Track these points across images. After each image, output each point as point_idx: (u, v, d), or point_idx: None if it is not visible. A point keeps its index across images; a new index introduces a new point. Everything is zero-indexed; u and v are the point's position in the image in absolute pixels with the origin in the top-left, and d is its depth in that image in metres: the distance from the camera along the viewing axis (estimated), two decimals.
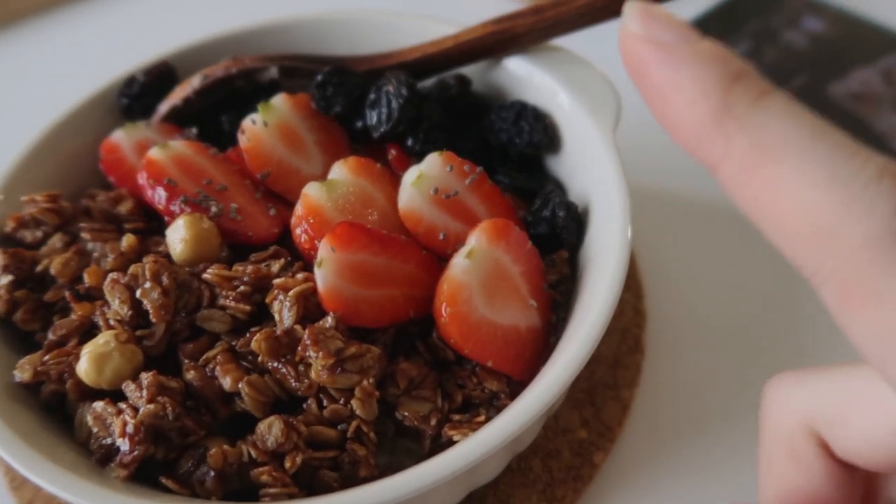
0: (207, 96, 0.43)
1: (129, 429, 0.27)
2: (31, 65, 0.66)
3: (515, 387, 0.32)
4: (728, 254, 0.47)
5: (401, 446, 0.31)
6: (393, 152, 0.40)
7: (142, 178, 0.35)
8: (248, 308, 0.30)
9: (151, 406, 0.28)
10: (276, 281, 0.31)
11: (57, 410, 0.32)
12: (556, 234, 0.36)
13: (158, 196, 0.35)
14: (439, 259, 0.34)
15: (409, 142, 0.40)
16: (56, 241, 0.35)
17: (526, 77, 0.42)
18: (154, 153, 0.36)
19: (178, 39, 0.46)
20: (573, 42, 0.41)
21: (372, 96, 0.40)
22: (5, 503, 0.37)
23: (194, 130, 0.42)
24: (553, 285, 0.35)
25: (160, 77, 0.43)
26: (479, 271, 0.32)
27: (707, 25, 0.59)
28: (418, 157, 0.39)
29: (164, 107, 0.43)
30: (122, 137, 0.40)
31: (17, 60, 0.67)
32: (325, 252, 0.30)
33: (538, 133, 0.40)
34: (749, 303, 0.44)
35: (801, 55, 0.57)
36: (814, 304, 0.43)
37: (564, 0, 0.40)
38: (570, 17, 0.40)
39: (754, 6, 0.61)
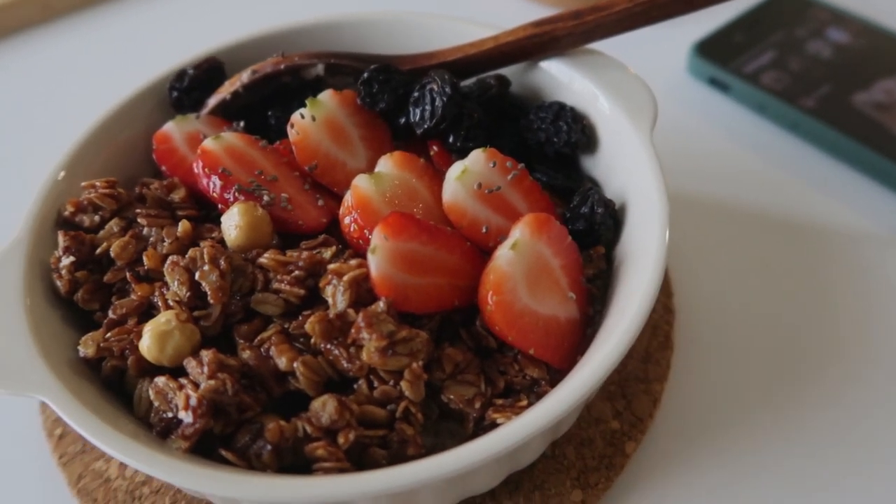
0: (255, 91, 0.44)
1: (193, 402, 0.29)
2: (75, 60, 0.68)
3: (554, 375, 0.33)
4: (754, 254, 0.48)
5: (444, 429, 0.33)
6: (435, 149, 0.41)
7: (197, 168, 0.37)
8: (301, 292, 0.32)
9: (212, 382, 0.29)
10: (331, 266, 0.32)
11: (115, 387, 0.33)
12: (594, 230, 0.37)
13: (213, 184, 0.36)
14: (481, 251, 0.36)
15: (451, 139, 0.41)
16: (113, 225, 0.37)
17: (564, 80, 0.43)
18: (208, 144, 0.37)
19: (227, 35, 0.47)
20: (610, 47, 0.43)
21: (416, 94, 0.41)
22: (55, 478, 0.38)
23: (241, 124, 0.43)
24: (590, 279, 0.37)
25: (209, 71, 0.45)
26: (522, 263, 0.33)
27: (732, 35, 0.61)
28: (459, 153, 0.40)
29: (213, 100, 0.44)
30: (173, 129, 0.42)
31: (62, 56, 0.68)
32: (378, 240, 0.31)
33: (576, 133, 0.41)
34: (775, 301, 0.45)
35: (826, 65, 0.58)
36: (838, 302, 0.45)
37: (604, 5, 0.41)
38: (608, 22, 0.41)
39: (780, 17, 0.62)
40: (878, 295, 0.46)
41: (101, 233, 0.37)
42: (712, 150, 0.56)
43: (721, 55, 0.59)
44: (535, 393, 0.32)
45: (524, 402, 0.31)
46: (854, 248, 0.48)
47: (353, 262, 0.32)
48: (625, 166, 0.39)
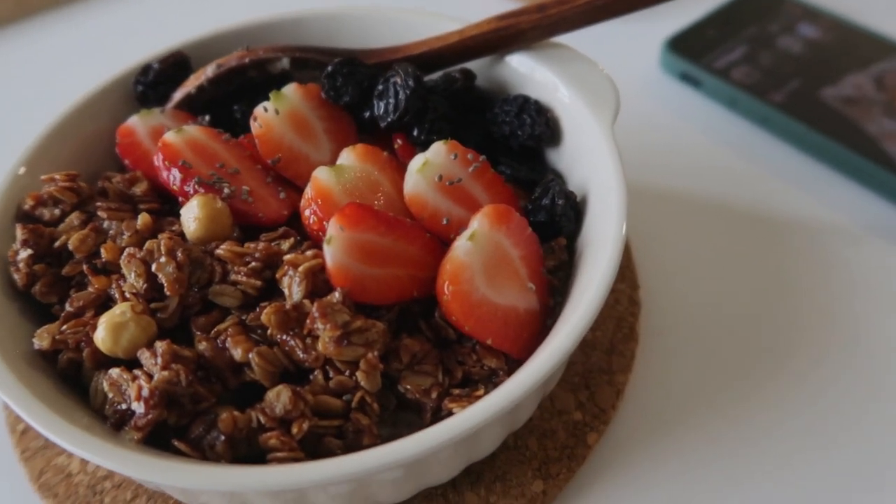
0: (220, 85, 0.44)
1: (145, 392, 0.28)
2: (49, 56, 0.68)
3: (514, 365, 0.33)
4: (722, 247, 0.49)
5: (402, 419, 0.33)
6: (399, 142, 0.41)
7: (157, 160, 0.37)
8: (258, 283, 0.32)
9: (166, 372, 0.29)
10: (287, 257, 0.32)
11: (72, 379, 0.33)
12: (554, 221, 0.37)
13: (173, 177, 0.36)
14: (442, 243, 0.36)
15: (415, 132, 0.41)
16: (73, 218, 0.36)
17: (528, 72, 0.43)
18: (169, 136, 0.37)
19: (194, 31, 0.47)
20: (584, 42, 0.43)
21: (380, 87, 0.41)
22: (16, 474, 0.38)
23: (207, 118, 0.43)
24: (551, 270, 0.37)
25: (175, 66, 0.45)
26: (480, 253, 0.33)
27: (705, 30, 0.61)
28: (423, 146, 0.40)
29: (178, 94, 0.44)
30: (137, 123, 0.42)
31: (36, 52, 0.68)
32: (333, 230, 0.31)
33: (540, 126, 0.41)
34: (741, 295, 0.46)
35: (797, 60, 0.58)
36: (803, 295, 0.45)
37: (562, 1, 0.41)
38: (572, 15, 0.41)
39: (753, 12, 0.63)
40: (843, 288, 0.46)
41: (61, 226, 0.36)
42: (684, 144, 0.56)
43: (693, 50, 0.60)
44: (493, 383, 0.33)
45: (481, 392, 0.31)
46: (821, 242, 0.49)
47: (309, 252, 0.32)
48: (587, 158, 0.39)
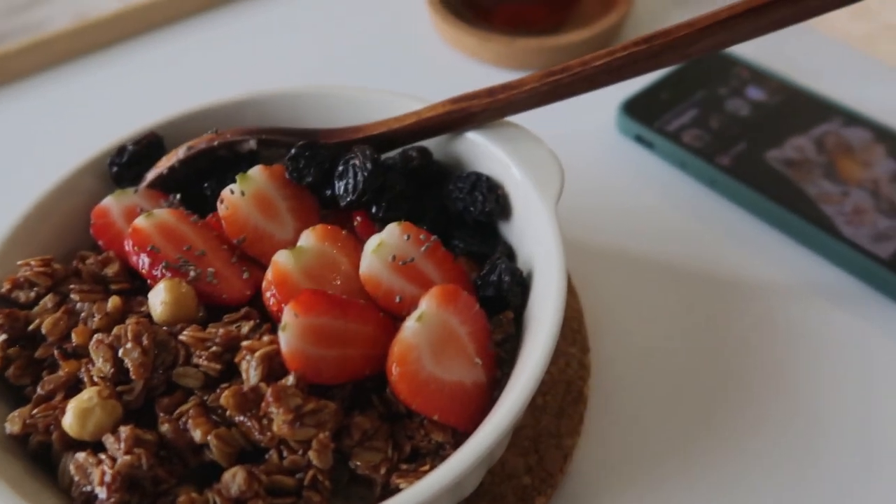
0: (191, 165, 0.47)
1: (108, 478, 0.30)
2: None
3: (462, 437, 0.35)
4: (672, 307, 0.51)
5: (354, 493, 0.35)
6: (358, 219, 0.44)
7: (128, 245, 0.39)
8: (218, 367, 0.34)
9: (128, 457, 0.31)
10: (244, 343, 0.34)
11: (43, 459, 0.35)
12: (502, 296, 0.40)
13: (142, 262, 0.39)
14: (397, 319, 0.38)
15: (374, 209, 0.44)
16: (48, 301, 0.39)
17: (481, 150, 0.46)
18: (139, 222, 0.40)
19: (166, 104, 0.50)
20: (527, 118, 0.46)
21: (340, 168, 0.44)
22: None
23: (178, 196, 0.46)
24: (499, 343, 0.39)
25: (148, 146, 0.47)
26: (427, 333, 0.36)
27: (659, 93, 0.64)
28: (382, 223, 0.43)
29: (151, 174, 0.47)
30: (111, 203, 0.44)
31: (25, 119, 0.71)
32: (288, 317, 0.34)
33: (490, 202, 0.44)
34: (690, 355, 0.48)
35: (744, 123, 0.62)
36: (747, 358, 0.47)
37: (515, 84, 0.44)
38: (519, 99, 0.44)
39: (704, 75, 0.66)
40: (789, 346, 0.48)
41: (36, 308, 0.39)
42: (639, 205, 0.59)
43: (646, 113, 0.63)
44: (440, 456, 0.35)
45: (426, 467, 0.33)
46: (767, 301, 0.51)
47: (266, 338, 0.34)
48: (533, 234, 0.42)
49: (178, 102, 0.51)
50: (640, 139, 0.63)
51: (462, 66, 0.75)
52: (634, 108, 0.64)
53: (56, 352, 0.36)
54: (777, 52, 0.69)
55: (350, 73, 0.74)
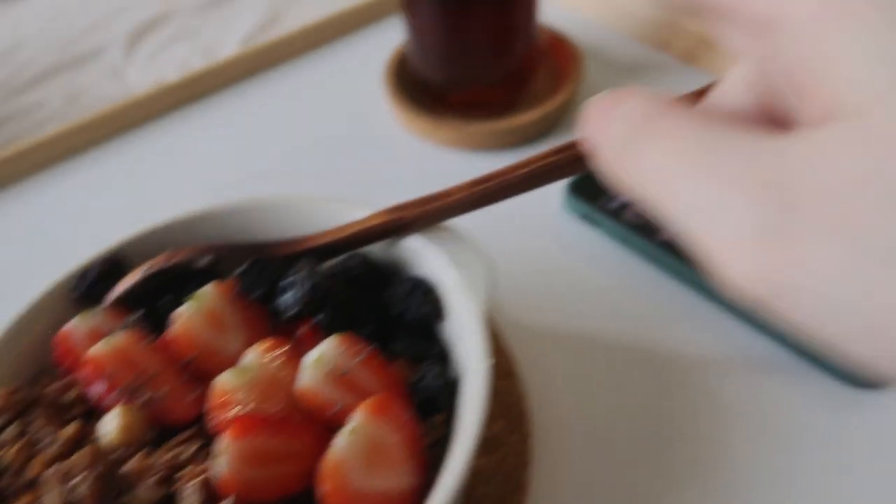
0: (150, 283, 0.50)
1: None
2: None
3: None
4: (615, 387, 0.53)
5: None
6: (303, 329, 0.47)
7: (83, 375, 0.42)
8: (161, 493, 0.37)
9: None
10: (182, 471, 0.37)
11: None
12: (433, 401, 0.42)
13: (95, 391, 0.41)
14: (334, 429, 0.40)
15: (318, 318, 0.47)
16: (11, 431, 0.41)
17: (419, 254, 0.49)
18: (94, 351, 0.43)
19: (127, 216, 0.53)
20: (464, 219, 0.49)
21: (286, 281, 0.47)
22: None
23: (137, 315, 0.49)
24: (431, 445, 0.41)
25: (110, 269, 0.51)
26: (358, 445, 0.38)
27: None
28: (326, 330, 0.46)
29: (113, 295, 0.50)
30: (74, 327, 0.47)
31: None
32: (223, 444, 0.36)
33: (426, 306, 0.47)
34: (630, 438, 0.50)
35: None
36: (689, 436, 0.49)
37: (445, 193, 0.48)
38: (449, 207, 0.48)
39: None
40: (728, 418, 0.50)
41: (0, 438, 0.41)
42: (586, 285, 0.62)
43: (592, 192, 0.66)
44: None
45: None
46: (706, 374, 0.53)
47: (204, 465, 0.37)
48: (463, 336, 0.44)
49: (141, 213, 0.54)
50: (586, 218, 0.66)
51: (419, 148, 0.78)
52: (581, 188, 0.67)
53: (14, 484, 0.39)
54: None
55: (312, 159, 0.78)
